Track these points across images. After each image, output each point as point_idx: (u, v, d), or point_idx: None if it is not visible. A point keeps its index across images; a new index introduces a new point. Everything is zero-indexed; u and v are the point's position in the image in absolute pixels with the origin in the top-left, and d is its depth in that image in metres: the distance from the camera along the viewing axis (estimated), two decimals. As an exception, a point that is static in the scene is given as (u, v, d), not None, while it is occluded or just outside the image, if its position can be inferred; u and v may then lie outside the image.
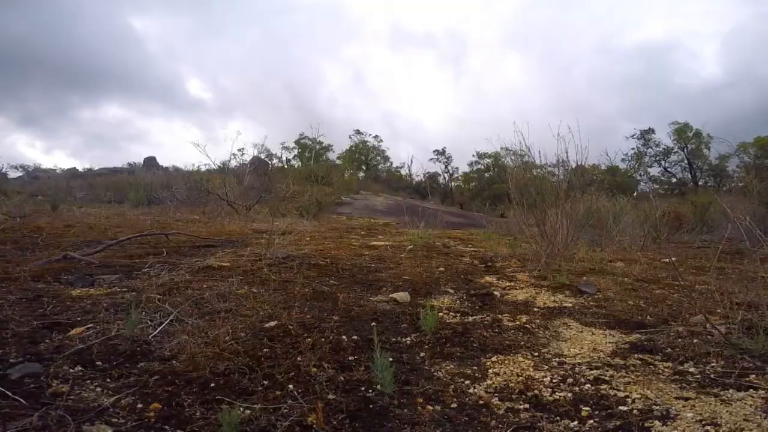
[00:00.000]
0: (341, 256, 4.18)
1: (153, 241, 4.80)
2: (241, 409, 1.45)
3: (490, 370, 1.87)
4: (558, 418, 1.49)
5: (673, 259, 3.97)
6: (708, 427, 1.39)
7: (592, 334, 2.36)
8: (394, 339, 2.18)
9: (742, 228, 2.82)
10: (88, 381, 1.63)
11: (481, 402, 1.60)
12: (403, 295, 2.88)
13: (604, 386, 1.72)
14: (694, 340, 2.19)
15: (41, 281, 2.98)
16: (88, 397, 1.51)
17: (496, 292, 3.15)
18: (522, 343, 2.19)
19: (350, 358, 1.92)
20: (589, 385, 1.73)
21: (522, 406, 1.57)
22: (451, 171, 30.22)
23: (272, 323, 2.23)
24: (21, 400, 1.44)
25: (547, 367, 1.91)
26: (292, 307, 2.55)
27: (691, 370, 1.86)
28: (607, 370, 1.87)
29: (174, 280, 3.04)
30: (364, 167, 30.52)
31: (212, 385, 1.62)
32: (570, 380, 1.77)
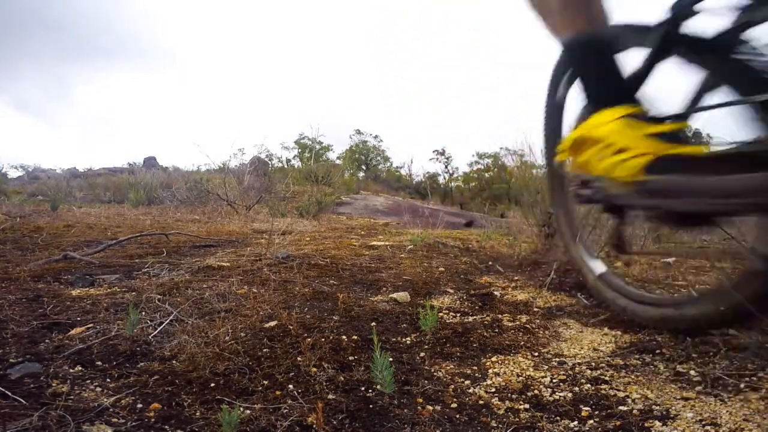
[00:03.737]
0: (341, 256, 4.18)
1: (153, 241, 4.80)
2: (241, 409, 1.45)
3: (490, 370, 1.87)
4: (558, 418, 1.49)
5: (672, 259, 3.98)
6: (708, 427, 1.39)
7: (592, 334, 2.36)
8: (394, 339, 2.18)
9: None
10: (88, 381, 1.63)
11: (481, 402, 1.60)
12: (403, 295, 2.88)
13: (604, 386, 1.72)
14: (694, 340, 2.19)
15: (41, 281, 2.98)
16: (88, 397, 1.51)
17: (496, 292, 3.15)
18: (522, 343, 2.19)
19: (350, 358, 1.92)
20: (589, 385, 1.73)
21: (522, 406, 1.57)
22: (451, 171, 30.19)
23: (272, 323, 2.23)
24: (21, 400, 1.44)
25: (547, 367, 1.91)
26: (292, 307, 2.55)
27: (692, 370, 1.86)
28: (607, 370, 1.87)
29: (174, 280, 3.04)
30: (364, 167, 30.50)
31: (212, 385, 1.62)
32: (570, 380, 1.77)
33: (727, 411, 1.50)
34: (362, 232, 7.12)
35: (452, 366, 1.91)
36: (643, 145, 1.30)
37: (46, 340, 1.96)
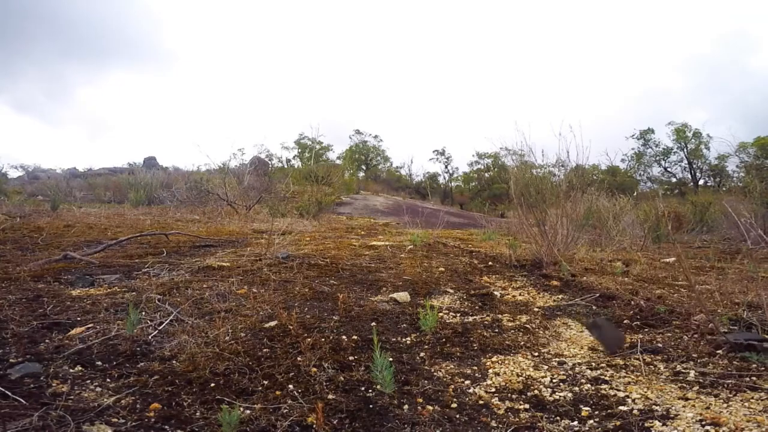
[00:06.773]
0: (341, 256, 4.18)
1: (153, 241, 4.80)
2: (241, 409, 1.45)
3: (490, 370, 1.87)
4: (558, 418, 1.49)
5: (673, 259, 3.98)
6: (708, 427, 1.39)
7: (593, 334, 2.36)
8: (394, 339, 2.18)
9: (744, 227, 2.82)
10: (88, 381, 1.63)
11: (481, 402, 1.60)
12: (403, 295, 2.88)
13: (604, 386, 1.72)
14: (694, 340, 2.19)
15: (41, 281, 2.99)
16: (88, 397, 1.51)
17: (495, 292, 3.15)
18: (522, 343, 2.19)
19: (350, 358, 1.92)
20: (589, 385, 1.73)
21: (522, 406, 1.57)
22: (451, 171, 30.16)
23: (272, 323, 2.24)
24: (21, 400, 1.44)
25: (547, 367, 1.91)
26: (292, 307, 2.55)
27: (692, 370, 1.86)
28: (607, 370, 1.87)
29: (174, 280, 3.04)
30: (364, 167, 30.48)
31: (212, 385, 1.62)
32: (570, 380, 1.77)
33: (727, 411, 1.50)
34: (362, 232, 7.12)
35: (452, 366, 1.91)
36: None
37: (46, 340, 1.96)
